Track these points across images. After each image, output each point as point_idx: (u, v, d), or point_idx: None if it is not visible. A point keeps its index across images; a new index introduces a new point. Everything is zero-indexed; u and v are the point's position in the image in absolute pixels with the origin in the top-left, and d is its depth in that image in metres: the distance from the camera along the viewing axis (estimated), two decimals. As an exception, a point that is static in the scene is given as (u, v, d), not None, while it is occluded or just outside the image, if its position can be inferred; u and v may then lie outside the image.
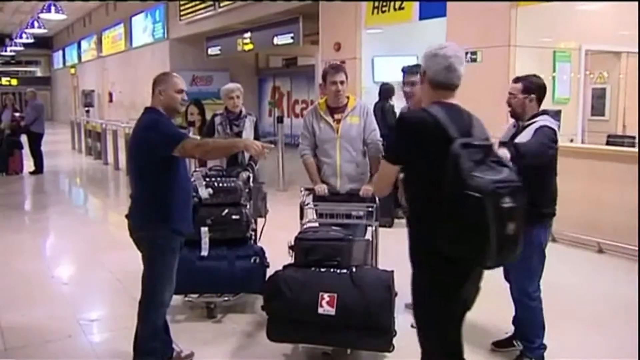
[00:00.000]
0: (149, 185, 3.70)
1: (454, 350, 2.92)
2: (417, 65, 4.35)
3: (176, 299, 5.06)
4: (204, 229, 4.85)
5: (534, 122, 3.89)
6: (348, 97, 4.86)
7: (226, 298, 4.96)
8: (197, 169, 5.59)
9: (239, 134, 5.83)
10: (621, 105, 9.79)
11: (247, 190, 5.24)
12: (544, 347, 4.04)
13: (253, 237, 5.27)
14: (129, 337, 4.51)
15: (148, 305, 3.80)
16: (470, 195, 2.44)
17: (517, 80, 4.05)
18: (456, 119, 2.71)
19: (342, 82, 4.74)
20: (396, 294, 3.96)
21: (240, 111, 5.92)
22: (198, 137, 3.67)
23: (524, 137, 3.87)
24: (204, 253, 4.85)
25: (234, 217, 4.94)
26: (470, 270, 2.78)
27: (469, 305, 2.93)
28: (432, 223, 2.64)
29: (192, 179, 5.07)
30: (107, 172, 14.48)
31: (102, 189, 12.86)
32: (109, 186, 13.35)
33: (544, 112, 3.98)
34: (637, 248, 6.19)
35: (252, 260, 4.90)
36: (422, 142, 2.69)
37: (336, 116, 4.79)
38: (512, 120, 4.14)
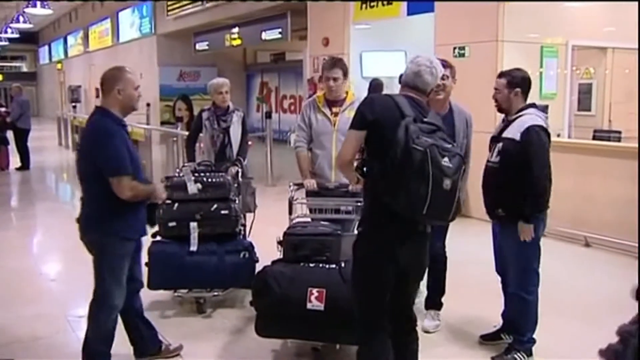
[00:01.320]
0: (97, 191, 3.57)
1: (376, 313, 3.16)
2: (445, 61, 4.35)
3: (165, 294, 5.08)
4: (193, 224, 4.83)
5: (521, 115, 3.92)
6: (347, 92, 4.88)
7: (215, 293, 4.96)
8: (186, 164, 5.58)
9: (226, 130, 5.81)
10: (607, 101, 9.86)
11: (236, 185, 5.22)
12: (533, 341, 4.07)
13: (242, 232, 5.26)
14: (119, 333, 4.49)
15: (98, 308, 3.73)
16: (415, 148, 2.84)
17: (501, 75, 4.08)
18: (415, 107, 3.08)
19: (335, 79, 4.74)
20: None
21: (228, 106, 5.90)
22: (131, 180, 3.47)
23: (510, 132, 3.90)
24: (193, 248, 4.83)
25: (223, 212, 4.91)
26: (408, 230, 3.07)
27: (410, 274, 3.22)
28: (378, 181, 3.01)
29: (181, 174, 5.07)
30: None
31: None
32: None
33: (531, 105, 4.00)
34: (628, 243, 6.23)
35: (241, 255, 4.89)
36: (382, 115, 3.07)
37: (334, 109, 4.81)
38: (502, 116, 4.16)
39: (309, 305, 3.73)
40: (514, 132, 3.87)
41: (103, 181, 3.49)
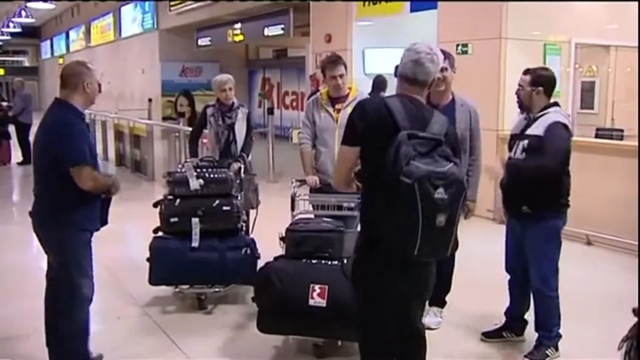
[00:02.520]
0: (54, 183, 3.59)
1: (379, 340, 2.99)
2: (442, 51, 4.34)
3: (166, 290, 5.08)
4: (195, 220, 4.83)
5: (545, 114, 3.91)
6: (350, 88, 4.88)
7: (217, 289, 4.95)
8: (188, 160, 5.58)
9: (231, 126, 5.79)
10: (610, 99, 9.84)
11: (238, 181, 5.22)
12: (560, 336, 4.08)
13: (244, 229, 5.24)
14: (121, 328, 4.52)
15: (71, 303, 3.69)
16: (402, 180, 2.51)
17: (526, 72, 4.03)
18: (412, 113, 2.77)
19: (341, 76, 4.75)
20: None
21: (233, 103, 5.86)
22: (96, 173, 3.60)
23: (534, 130, 3.89)
24: (195, 244, 4.82)
25: (224, 208, 4.90)
26: (404, 261, 2.76)
27: (413, 300, 3.01)
28: (370, 208, 2.79)
29: (183, 170, 5.06)
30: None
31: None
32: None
33: (555, 104, 3.98)
34: (629, 241, 6.23)
35: (243, 252, 4.88)
36: (373, 128, 2.77)
37: (337, 106, 4.82)
38: (519, 111, 4.14)
39: (310, 302, 3.73)
40: (538, 129, 3.86)
41: (61, 174, 3.51)
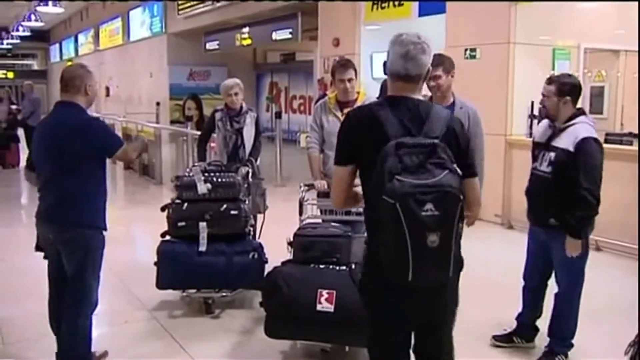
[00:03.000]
0: (77, 183, 3.64)
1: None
2: (439, 55, 4.21)
3: (173, 294, 5.08)
4: (202, 224, 4.82)
5: (572, 124, 3.81)
6: (358, 92, 4.87)
7: (224, 294, 4.94)
8: (196, 164, 5.58)
9: (239, 130, 5.78)
10: (619, 104, 9.80)
11: (246, 185, 5.21)
12: (572, 346, 4.05)
13: (252, 233, 5.24)
14: (128, 332, 4.52)
15: (83, 307, 3.73)
16: (384, 200, 2.24)
17: (550, 81, 3.92)
18: (403, 116, 2.47)
19: (350, 80, 4.74)
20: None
21: (241, 107, 5.84)
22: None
23: (562, 142, 3.80)
24: (202, 248, 4.81)
25: (232, 212, 4.89)
26: (405, 286, 2.40)
27: (431, 323, 2.67)
28: (367, 227, 2.64)
29: (191, 174, 5.07)
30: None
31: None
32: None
33: (581, 112, 3.87)
34: (634, 246, 6.20)
35: (250, 256, 4.86)
36: (361, 141, 2.52)
37: (345, 110, 4.75)
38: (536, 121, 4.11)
39: (318, 307, 3.71)
40: (567, 142, 3.76)
41: (78, 174, 3.61)
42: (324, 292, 3.73)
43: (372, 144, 2.40)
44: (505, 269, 4.34)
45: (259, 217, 5.49)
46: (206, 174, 5.02)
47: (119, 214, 8.99)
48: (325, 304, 3.71)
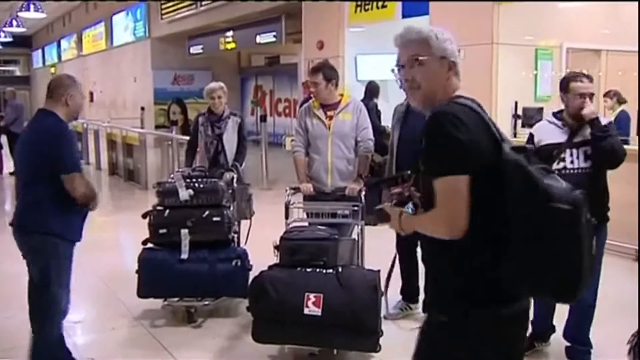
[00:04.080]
0: (44, 192, 3.57)
1: None
2: None
3: (155, 303, 4.97)
4: (184, 231, 4.71)
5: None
6: (342, 95, 4.88)
7: (206, 302, 4.83)
8: (179, 170, 5.53)
9: (219, 136, 5.71)
10: (601, 103, 9.85)
11: (230, 191, 5.15)
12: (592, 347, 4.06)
13: (236, 240, 5.16)
14: (115, 338, 4.48)
15: (47, 318, 3.67)
16: (553, 207, 1.89)
17: (591, 80, 3.99)
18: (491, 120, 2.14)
19: (315, 83, 4.76)
20: (382, 294, 3.95)
21: (223, 112, 5.77)
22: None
23: (586, 134, 3.87)
24: (184, 256, 4.70)
25: (215, 219, 4.79)
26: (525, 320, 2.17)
27: None
28: (485, 254, 2.04)
29: (173, 180, 5.01)
30: (88, 172, 14.33)
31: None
32: (90, 186, 13.25)
33: None
34: (631, 246, 6.22)
35: (233, 264, 4.75)
36: (479, 146, 2.02)
37: (329, 113, 4.81)
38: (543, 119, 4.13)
39: (306, 311, 3.70)
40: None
41: (51, 182, 3.52)
42: (311, 296, 3.72)
43: (488, 148, 2.03)
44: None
45: (245, 222, 5.43)
46: (188, 180, 4.95)
47: (104, 220, 8.94)
48: (312, 308, 3.70)
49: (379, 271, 3.94)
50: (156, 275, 4.70)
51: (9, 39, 25.88)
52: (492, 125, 2.08)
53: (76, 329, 4.85)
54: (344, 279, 3.79)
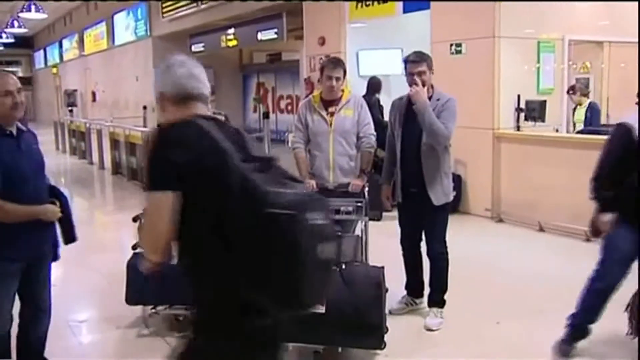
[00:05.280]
0: None
1: None
2: (422, 53, 4.49)
3: (142, 310, 4.79)
4: None
5: None
6: (343, 90, 4.82)
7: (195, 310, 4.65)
8: None
9: None
10: (605, 95, 9.84)
11: None
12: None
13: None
14: (120, 338, 4.47)
15: None
16: (272, 213, 1.91)
17: None
18: (227, 133, 2.16)
19: (337, 78, 4.68)
20: (387, 290, 3.94)
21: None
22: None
23: None
24: (174, 261, 4.55)
25: None
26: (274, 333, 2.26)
27: None
28: (214, 265, 2.12)
29: None
30: (92, 171, 14.38)
31: (87, 189, 12.76)
32: (94, 186, 13.25)
33: None
34: (580, 227, 6.27)
35: None
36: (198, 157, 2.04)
37: (330, 109, 4.76)
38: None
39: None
40: None
41: None
42: None
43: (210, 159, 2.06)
44: (498, 262, 4.34)
45: None
46: None
47: (108, 220, 8.96)
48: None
49: (382, 268, 3.93)
50: (143, 282, 4.36)
51: (11, 40, 25.92)
52: (226, 140, 2.08)
53: (81, 328, 4.86)
54: (348, 276, 3.74)
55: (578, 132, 8.11)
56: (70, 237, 3.55)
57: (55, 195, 3.50)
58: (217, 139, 2.08)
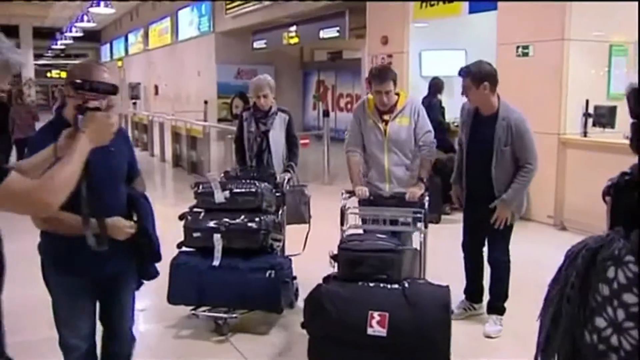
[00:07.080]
0: None
1: None
2: (465, 68, 4.40)
3: (183, 310, 4.71)
4: (217, 236, 4.40)
5: None
6: (398, 94, 4.53)
7: (234, 315, 4.48)
8: (210, 172, 5.22)
9: (265, 133, 5.18)
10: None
11: (279, 194, 4.77)
12: None
13: (276, 248, 4.72)
14: (159, 334, 4.40)
15: None
16: None
17: None
18: None
19: (387, 92, 4.40)
20: (452, 312, 3.72)
21: (270, 108, 5.21)
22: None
23: None
24: (216, 262, 4.39)
25: (249, 224, 4.40)
26: None
27: None
28: None
29: (207, 181, 4.66)
30: (153, 163, 14.59)
31: (148, 181, 12.92)
32: (155, 178, 13.42)
33: None
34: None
35: (267, 274, 4.35)
36: None
37: (384, 117, 4.49)
38: None
39: (369, 331, 3.36)
40: None
41: None
42: (376, 315, 3.37)
43: None
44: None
45: (302, 227, 5.05)
46: (226, 181, 4.67)
47: (169, 212, 9.00)
48: (377, 328, 3.36)
49: (447, 287, 3.64)
50: (186, 282, 4.43)
51: (80, 34, 26.56)
52: None
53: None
54: (412, 295, 3.45)
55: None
56: (146, 270, 3.08)
57: (135, 207, 3.02)
58: None
